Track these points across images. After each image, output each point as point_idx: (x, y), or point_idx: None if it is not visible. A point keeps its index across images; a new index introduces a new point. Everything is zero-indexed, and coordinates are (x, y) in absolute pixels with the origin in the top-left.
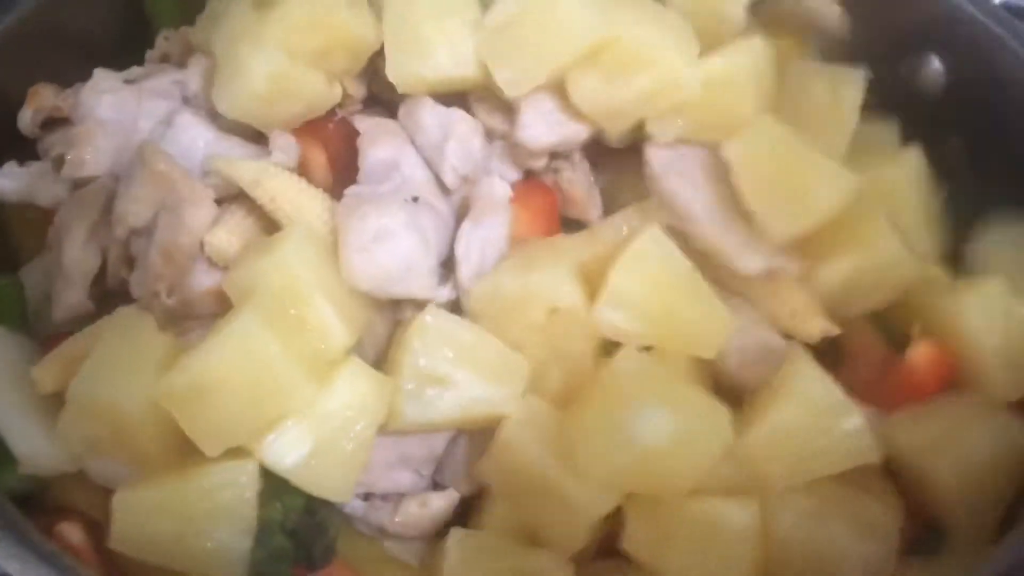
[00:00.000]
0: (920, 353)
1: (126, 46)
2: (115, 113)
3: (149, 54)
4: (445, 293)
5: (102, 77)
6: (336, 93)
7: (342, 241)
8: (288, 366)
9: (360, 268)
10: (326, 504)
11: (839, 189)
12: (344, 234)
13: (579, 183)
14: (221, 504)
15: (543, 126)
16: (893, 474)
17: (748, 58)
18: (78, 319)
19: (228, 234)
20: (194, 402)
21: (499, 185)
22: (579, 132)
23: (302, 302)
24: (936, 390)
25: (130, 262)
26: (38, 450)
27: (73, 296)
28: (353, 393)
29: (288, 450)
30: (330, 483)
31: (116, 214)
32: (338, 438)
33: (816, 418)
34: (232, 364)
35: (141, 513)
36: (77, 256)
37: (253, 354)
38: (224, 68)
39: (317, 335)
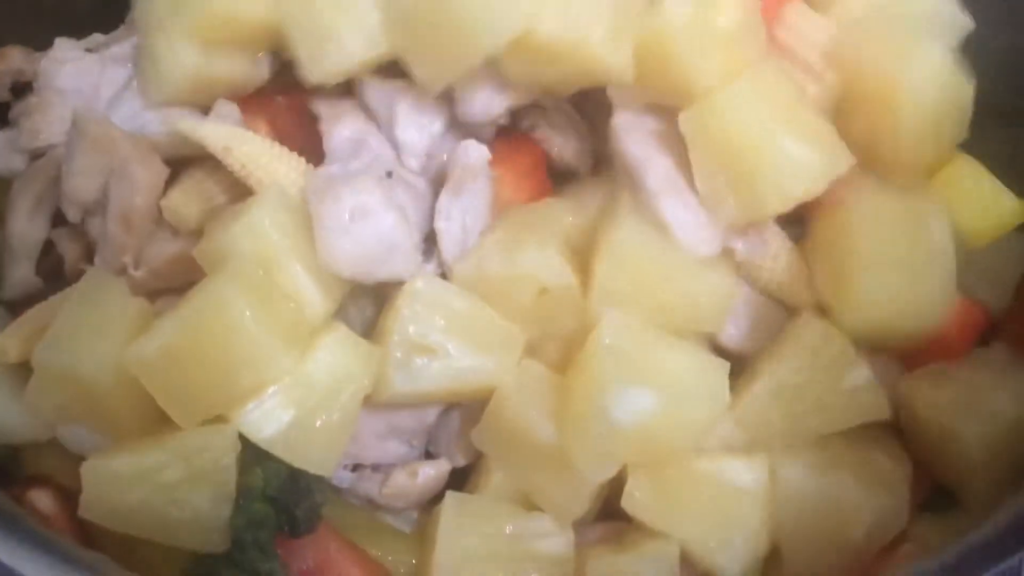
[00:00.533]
0: None
1: (108, 14)
2: (76, 82)
3: (128, 18)
4: (431, 270)
5: (63, 46)
6: (262, 72)
7: (317, 224)
8: (263, 334)
9: (340, 251)
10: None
11: (805, 179)
12: (319, 217)
13: (560, 136)
14: (198, 470)
15: (482, 100)
16: (903, 433)
17: (685, 16)
18: (29, 296)
19: (185, 196)
20: (165, 370)
21: (475, 149)
22: (523, 98)
23: (277, 269)
24: (963, 347)
25: (90, 251)
26: (8, 417)
27: (19, 272)
28: (337, 361)
29: (268, 420)
30: (313, 455)
31: (64, 194)
32: (321, 408)
33: (821, 371)
34: (205, 331)
35: (112, 481)
36: (22, 229)
37: (227, 321)
38: (143, 58)
39: (294, 303)
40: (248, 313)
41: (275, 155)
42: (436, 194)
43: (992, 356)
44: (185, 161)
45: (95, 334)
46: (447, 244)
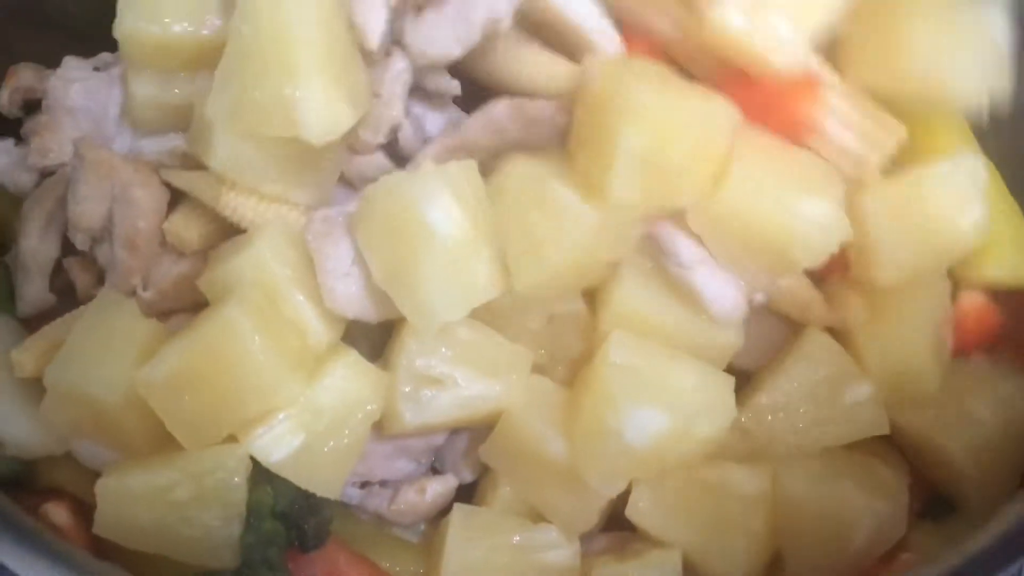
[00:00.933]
0: (969, 300)
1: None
2: (84, 101)
3: None
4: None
5: (71, 65)
6: None
7: (320, 268)
8: (271, 360)
9: (343, 294)
10: None
11: (834, 230)
12: (321, 261)
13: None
14: (209, 489)
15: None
16: (899, 447)
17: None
18: (44, 312)
19: (185, 220)
20: (174, 395)
21: None
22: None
23: (281, 299)
24: (978, 342)
25: (101, 277)
26: (24, 432)
27: (33, 288)
28: (346, 387)
29: (277, 445)
30: (321, 478)
31: (71, 222)
32: (331, 432)
33: (823, 386)
34: (213, 357)
35: (126, 499)
36: (33, 247)
37: (235, 347)
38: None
39: (298, 332)
40: (256, 339)
41: (262, 199)
42: None
43: (970, 367)
44: None
45: (105, 355)
46: None
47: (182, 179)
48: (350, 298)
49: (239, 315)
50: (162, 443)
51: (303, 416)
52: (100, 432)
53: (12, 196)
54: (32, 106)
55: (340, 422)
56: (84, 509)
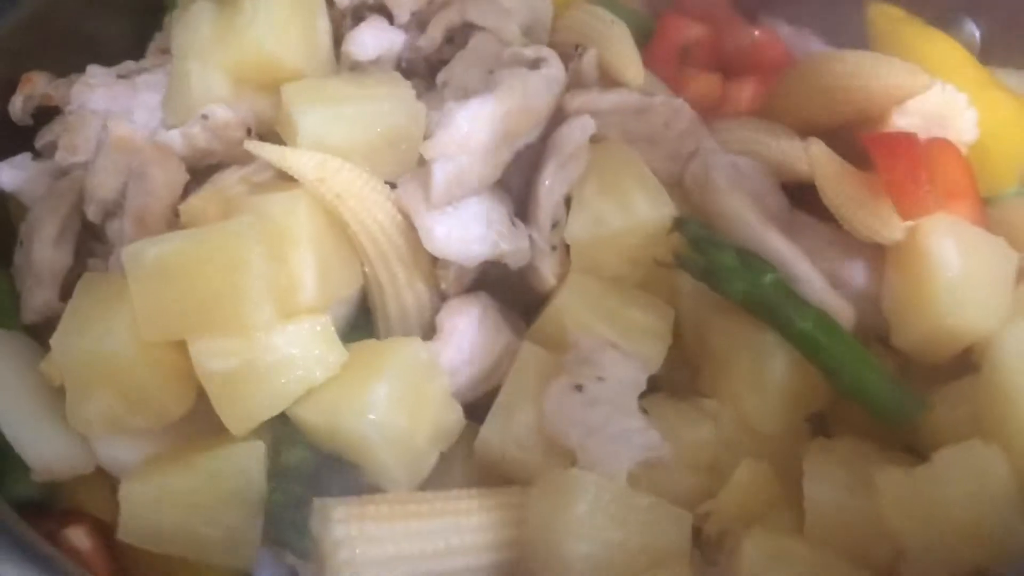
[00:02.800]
0: None
1: (137, 43)
2: (109, 104)
3: (151, 46)
4: (525, 245)
5: (95, 72)
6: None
7: (414, 212)
8: (260, 280)
9: (443, 236)
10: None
11: None
12: (417, 211)
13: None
14: (229, 491)
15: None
16: None
17: None
18: (49, 320)
19: (204, 202)
20: (155, 278)
21: (584, 128)
22: None
23: (291, 247)
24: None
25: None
26: (49, 455)
27: (42, 296)
28: (305, 345)
29: (216, 356)
30: (231, 409)
31: (87, 193)
32: (266, 376)
33: None
34: (209, 252)
35: (148, 503)
36: (48, 255)
37: (235, 251)
38: (176, 79)
39: (292, 281)
40: (257, 254)
41: (367, 183)
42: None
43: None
44: (208, 171)
45: (105, 313)
46: (544, 214)
47: (285, 161)
48: (449, 239)
49: (250, 229)
50: (183, 394)
51: (253, 345)
52: (120, 396)
53: (17, 203)
54: (43, 115)
55: (280, 369)
56: (104, 530)
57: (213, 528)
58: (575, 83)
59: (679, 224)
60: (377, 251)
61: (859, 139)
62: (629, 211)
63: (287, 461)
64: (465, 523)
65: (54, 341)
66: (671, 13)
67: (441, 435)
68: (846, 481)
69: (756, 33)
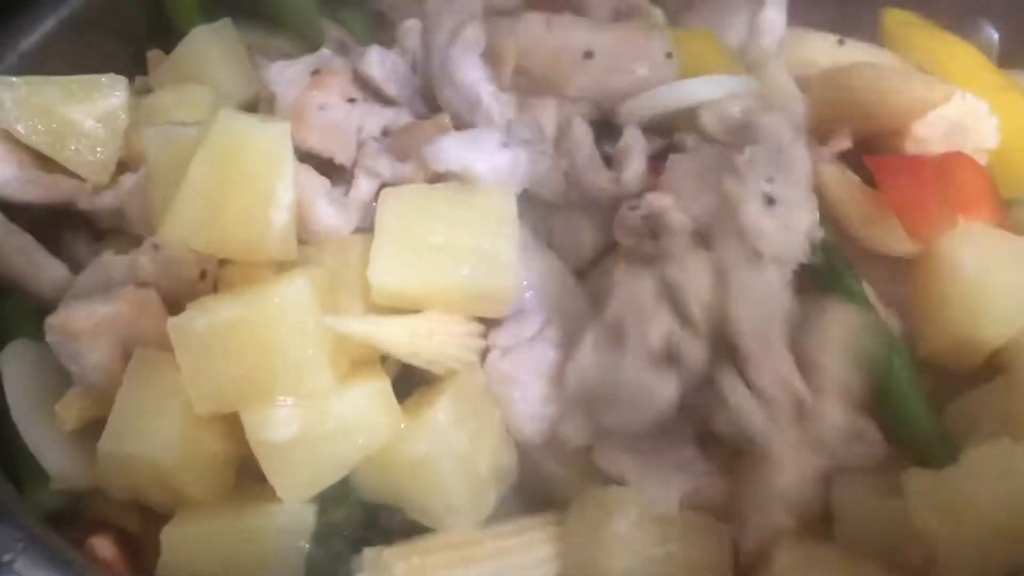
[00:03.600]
0: None
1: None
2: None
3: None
4: None
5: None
6: None
7: (506, 401)
8: (318, 345)
9: (531, 424)
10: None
11: None
12: (509, 397)
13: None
14: (271, 551)
15: None
16: None
17: None
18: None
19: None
20: (205, 348)
21: None
22: None
23: (346, 294)
24: None
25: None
26: (69, 466)
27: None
28: (364, 409)
29: (273, 425)
30: (288, 477)
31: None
32: (325, 442)
33: None
34: (263, 319)
35: (190, 549)
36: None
37: (291, 317)
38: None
39: (344, 335)
40: (314, 316)
41: (456, 340)
42: None
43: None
44: None
45: (154, 416)
46: None
47: (373, 337)
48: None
49: (306, 287)
50: (224, 497)
51: (311, 412)
52: (161, 492)
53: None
54: None
55: (339, 437)
56: (128, 541)
57: None
58: None
59: None
60: None
61: (865, 161)
62: None
63: (332, 519)
64: (525, 558)
65: (102, 443)
66: None
67: (501, 471)
68: (875, 485)
69: None
